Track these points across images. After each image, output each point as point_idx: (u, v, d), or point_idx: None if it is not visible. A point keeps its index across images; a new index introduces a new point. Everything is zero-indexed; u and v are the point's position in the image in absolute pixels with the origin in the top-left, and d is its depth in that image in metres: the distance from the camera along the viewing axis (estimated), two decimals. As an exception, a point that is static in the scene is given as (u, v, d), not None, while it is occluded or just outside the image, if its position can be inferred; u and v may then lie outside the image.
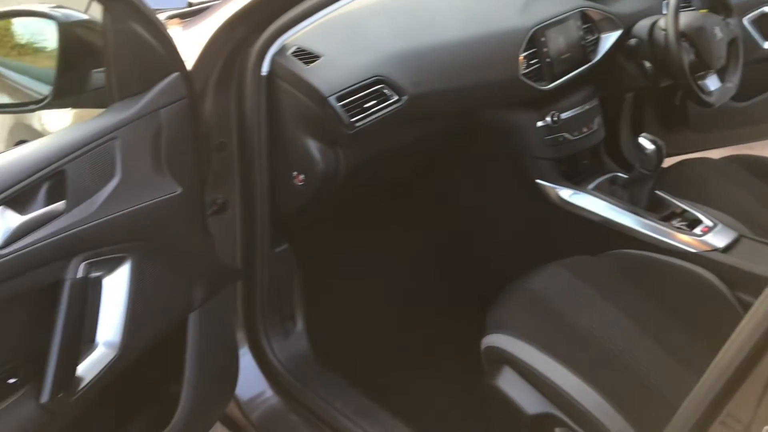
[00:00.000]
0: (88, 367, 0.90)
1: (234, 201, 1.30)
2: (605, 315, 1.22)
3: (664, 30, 1.57)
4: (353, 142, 1.29)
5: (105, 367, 0.92)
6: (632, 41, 1.66)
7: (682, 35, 1.58)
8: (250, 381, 1.39)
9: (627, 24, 1.69)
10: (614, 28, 1.68)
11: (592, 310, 1.24)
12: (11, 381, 0.86)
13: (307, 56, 1.25)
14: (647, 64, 1.65)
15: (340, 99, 1.22)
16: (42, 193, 0.85)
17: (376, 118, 1.26)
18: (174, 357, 1.14)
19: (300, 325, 1.48)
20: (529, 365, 1.16)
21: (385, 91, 1.28)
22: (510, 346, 1.20)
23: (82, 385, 0.89)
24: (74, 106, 1.14)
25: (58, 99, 1.03)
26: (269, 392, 1.41)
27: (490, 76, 1.47)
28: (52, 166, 0.85)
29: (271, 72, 1.23)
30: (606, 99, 1.78)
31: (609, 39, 1.68)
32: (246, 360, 1.40)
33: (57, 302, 0.86)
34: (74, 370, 0.88)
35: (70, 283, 0.86)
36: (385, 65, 1.29)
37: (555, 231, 1.63)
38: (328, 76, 1.23)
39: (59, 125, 1.52)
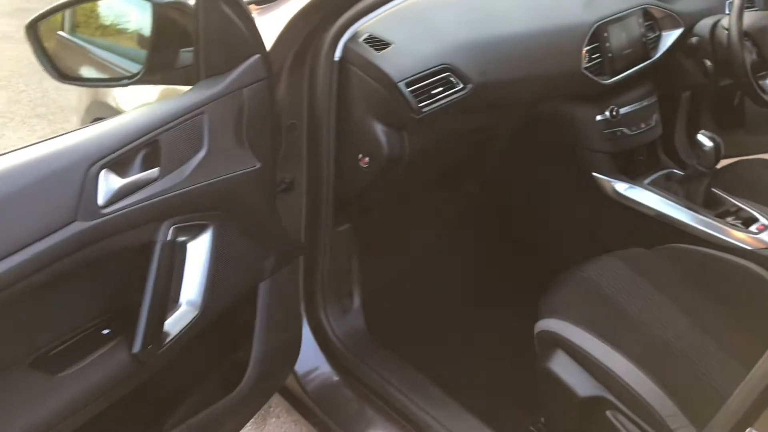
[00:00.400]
0: (173, 324, 0.97)
1: (301, 181, 1.35)
2: (658, 306, 1.24)
3: (727, 29, 1.58)
4: (419, 127, 1.33)
5: (187, 325, 0.98)
6: (693, 39, 1.67)
7: (744, 35, 1.59)
8: (308, 354, 1.45)
9: (689, 22, 1.70)
10: (676, 26, 1.69)
11: (645, 300, 1.26)
12: (105, 332, 0.93)
13: (378, 43, 1.29)
14: (708, 63, 1.66)
15: (408, 85, 1.26)
16: (139, 159, 0.91)
17: (442, 104, 1.30)
18: (242, 325, 1.21)
19: (357, 302, 1.53)
20: (582, 349, 1.18)
21: (452, 78, 1.32)
22: (563, 331, 1.23)
23: (168, 339, 0.96)
24: (162, 82, 1.20)
25: (149, 75, 1.09)
26: (326, 366, 1.46)
27: (553, 68, 1.50)
28: (149, 136, 0.92)
29: (343, 58, 1.28)
30: (663, 97, 1.80)
31: (670, 37, 1.70)
32: (305, 333, 1.45)
33: (148, 262, 0.92)
34: (162, 325, 0.95)
35: (161, 245, 0.93)
36: (452, 54, 1.33)
37: (609, 223, 1.65)
38: (398, 62, 1.28)
39: (133, 103, 1.59)
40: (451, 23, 1.41)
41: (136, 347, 0.90)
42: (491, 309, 1.75)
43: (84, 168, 0.83)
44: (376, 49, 1.28)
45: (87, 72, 1.34)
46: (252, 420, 1.77)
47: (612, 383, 1.14)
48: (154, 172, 0.92)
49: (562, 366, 1.23)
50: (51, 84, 3.74)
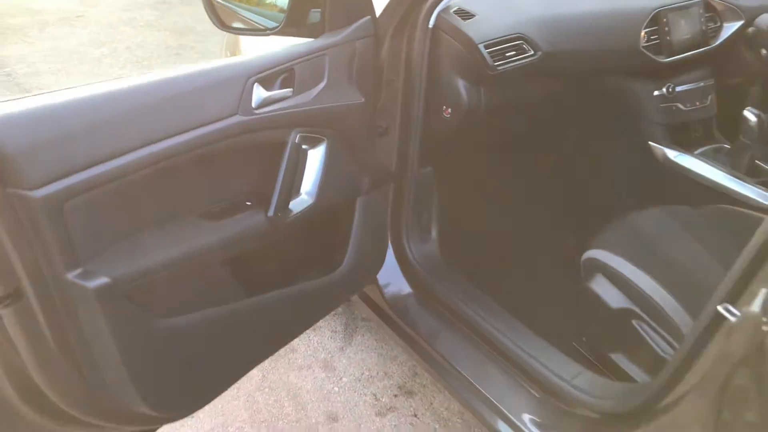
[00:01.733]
0: (295, 205, 1.30)
1: (394, 127, 1.66)
2: (693, 250, 1.44)
3: None
4: (494, 83, 1.61)
5: (305, 208, 1.31)
6: (750, 30, 1.86)
7: None
8: (389, 271, 1.74)
9: (750, 16, 1.88)
10: (736, 19, 1.89)
11: (681, 244, 1.46)
12: (248, 203, 1.27)
13: (465, 14, 1.59)
14: (764, 51, 1.84)
15: (486, 47, 1.54)
16: (279, 80, 1.24)
17: (514, 65, 1.57)
18: (340, 236, 1.52)
19: (434, 234, 1.81)
20: (617, 271, 1.42)
21: (524, 45, 1.59)
22: (605, 258, 1.47)
23: (292, 214, 1.29)
24: (295, 34, 1.51)
25: (286, 28, 1.41)
26: (403, 281, 1.76)
27: (614, 44, 1.75)
28: (288, 64, 1.25)
29: (435, 25, 1.57)
30: (730, 84, 1.98)
31: (730, 28, 1.89)
32: (388, 255, 1.75)
33: (281, 156, 1.25)
34: (288, 203, 1.28)
35: (291, 145, 1.26)
36: (526, 26, 1.61)
37: (660, 186, 1.86)
38: (480, 29, 1.56)
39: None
40: (526, 1, 1.68)
41: (271, 211, 1.24)
42: (546, 246, 2.00)
43: (244, 78, 1.17)
44: (463, 19, 1.57)
45: (234, 24, 1.70)
46: (341, 338, 2.10)
47: (639, 299, 1.38)
48: (288, 91, 1.26)
49: (599, 285, 1.47)
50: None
